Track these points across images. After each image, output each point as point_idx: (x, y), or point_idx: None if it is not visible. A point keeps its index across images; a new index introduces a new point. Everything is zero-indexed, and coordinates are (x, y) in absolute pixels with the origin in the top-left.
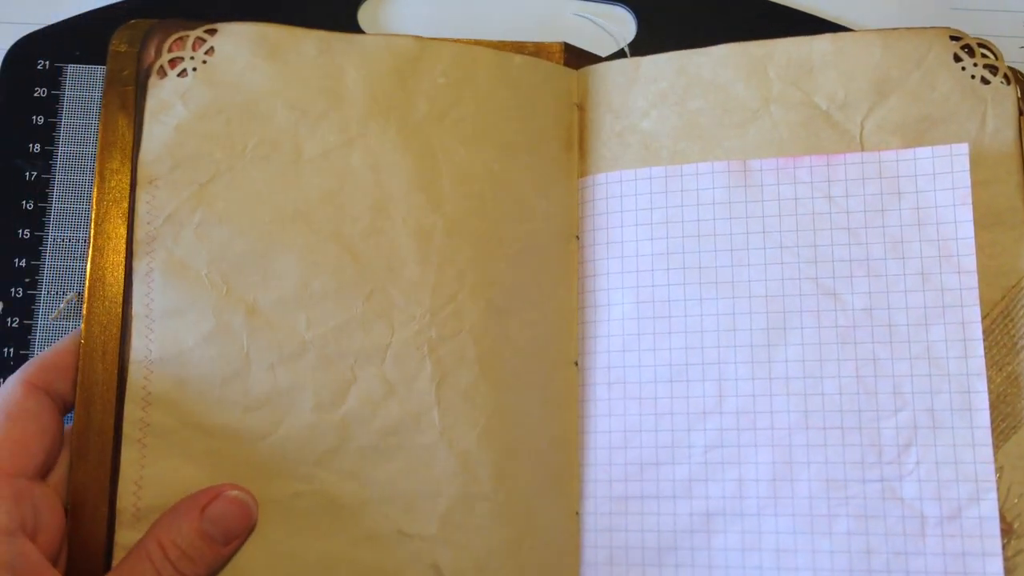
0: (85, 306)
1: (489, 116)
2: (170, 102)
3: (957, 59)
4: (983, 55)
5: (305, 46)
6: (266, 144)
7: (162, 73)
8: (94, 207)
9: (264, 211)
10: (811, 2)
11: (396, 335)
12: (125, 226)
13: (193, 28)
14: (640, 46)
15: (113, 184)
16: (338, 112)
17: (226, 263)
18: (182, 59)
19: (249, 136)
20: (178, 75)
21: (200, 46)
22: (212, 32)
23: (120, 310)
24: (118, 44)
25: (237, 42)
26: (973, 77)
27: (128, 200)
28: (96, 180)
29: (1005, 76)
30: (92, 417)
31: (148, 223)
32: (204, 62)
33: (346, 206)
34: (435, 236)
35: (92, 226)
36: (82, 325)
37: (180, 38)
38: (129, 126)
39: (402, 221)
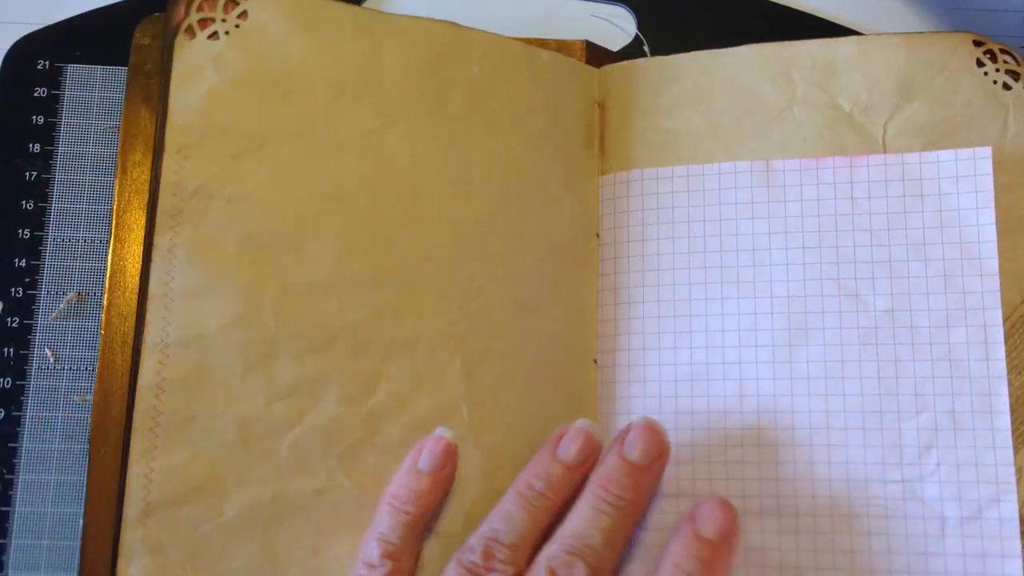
0: (105, 296)
1: (519, 110)
2: (200, 66)
3: (980, 64)
4: (1005, 60)
5: (342, 21)
6: (302, 120)
7: (191, 33)
8: (116, 198)
9: (299, 190)
10: (811, 2)
11: (427, 327)
12: (146, 217)
13: None
14: (640, 45)
15: (135, 176)
16: (375, 94)
17: (257, 243)
18: (212, 20)
19: (284, 110)
20: (208, 37)
21: (232, 9)
22: None
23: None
24: (141, 37)
25: (272, 8)
26: (995, 82)
27: (148, 191)
28: (118, 172)
29: None
30: (111, 407)
31: (174, 195)
32: (236, 26)
33: (383, 192)
34: (465, 229)
35: (114, 217)
36: (102, 315)
37: None
38: (151, 118)
39: (436, 212)
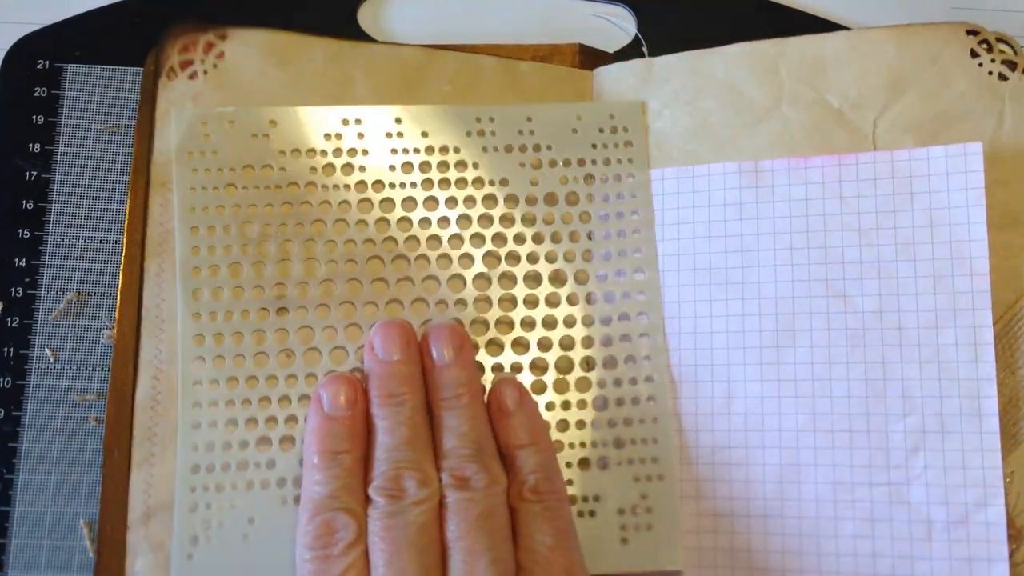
0: (118, 310)
1: None
2: (181, 104)
3: (974, 55)
4: (1001, 50)
5: (315, 54)
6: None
7: (172, 75)
8: (127, 217)
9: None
10: (813, 2)
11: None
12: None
13: (204, 32)
14: (639, 45)
15: (145, 199)
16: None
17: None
18: (192, 62)
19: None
20: (188, 77)
21: (210, 50)
22: (223, 37)
23: None
24: (151, 64)
25: (248, 48)
26: (991, 73)
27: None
28: (130, 193)
29: None
30: (122, 414)
31: (160, 224)
32: (214, 66)
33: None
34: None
35: (125, 234)
36: (114, 328)
37: (191, 41)
38: None
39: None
